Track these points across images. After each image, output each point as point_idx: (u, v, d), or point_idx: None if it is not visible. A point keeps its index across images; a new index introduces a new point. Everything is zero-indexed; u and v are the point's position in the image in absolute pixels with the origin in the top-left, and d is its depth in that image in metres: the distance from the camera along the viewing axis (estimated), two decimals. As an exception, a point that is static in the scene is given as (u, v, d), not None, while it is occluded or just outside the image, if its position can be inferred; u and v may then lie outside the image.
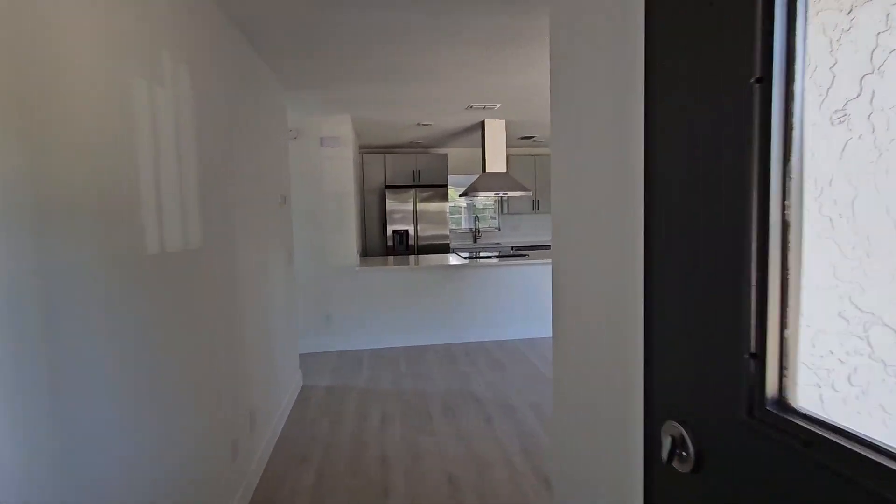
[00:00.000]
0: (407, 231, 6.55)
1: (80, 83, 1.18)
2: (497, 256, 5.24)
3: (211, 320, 1.96)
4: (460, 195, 5.36)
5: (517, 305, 4.94)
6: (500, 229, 7.53)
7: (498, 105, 4.25)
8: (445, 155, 6.65)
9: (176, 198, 1.68)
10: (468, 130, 5.61)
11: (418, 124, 5.12)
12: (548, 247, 6.87)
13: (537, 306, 4.97)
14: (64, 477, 1.06)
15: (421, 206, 6.55)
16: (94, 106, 1.23)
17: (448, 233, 6.65)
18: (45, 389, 1.02)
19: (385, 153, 6.63)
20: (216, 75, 2.12)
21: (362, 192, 6.57)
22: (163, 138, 1.59)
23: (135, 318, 1.38)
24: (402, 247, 6.55)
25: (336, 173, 4.66)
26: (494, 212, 7.69)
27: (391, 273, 4.70)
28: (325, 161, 4.62)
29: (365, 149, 7.03)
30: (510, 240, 7.52)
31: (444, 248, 6.66)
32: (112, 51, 1.32)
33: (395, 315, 4.76)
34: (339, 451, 2.73)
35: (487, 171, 5.01)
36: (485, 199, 7.77)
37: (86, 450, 1.14)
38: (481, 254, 5.75)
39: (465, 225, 7.80)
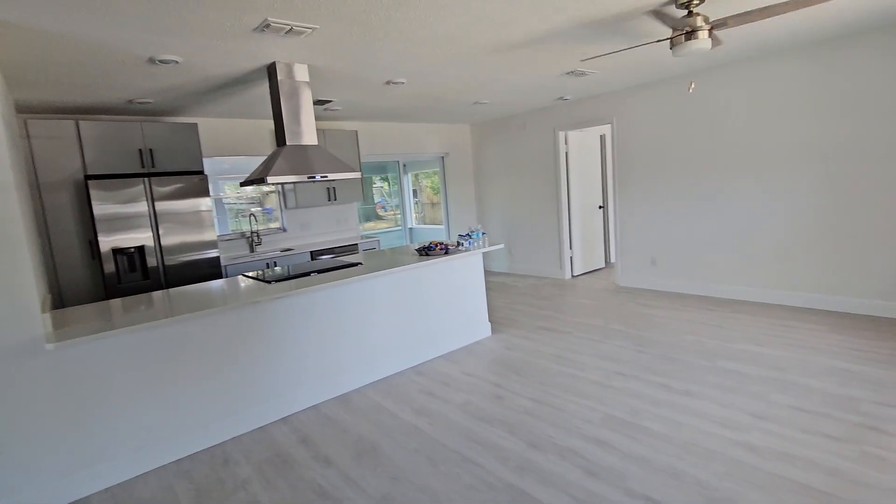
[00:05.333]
0: (142, 248, 4.07)
1: None
2: (301, 274, 3.56)
3: None
4: (242, 184, 3.41)
5: (358, 339, 3.42)
6: (285, 230, 5.66)
7: (314, 28, 2.58)
8: (195, 125, 4.39)
9: None
10: (241, 83, 3.64)
11: (152, 60, 2.92)
12: (352, 247, 5.45)
13: (385, 332, 3.56)
14: None
15: (163, 205, 4.16)
16: None
17: (215, 239, 4.46)
18: None
19: (78, 119, 3.93)
20: None
21: (37, 188, 3.76)
22: None
23: None
24: (137, 275, 4.06)
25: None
26: (275, 205, 5.73)
27: (132, 339, 2.47)
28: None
29: (30, 110, 4.07)
30: (303, 242, 5.74)
31: (213, 266, 4.46)
32: None
33: (148, 413, 2.59)
34: None
35: (290, 143, 3.25)
36: (255, 190, 5.73)
37: None
38: (267, 270, 3.94)
39: (220, 230, 5.57)
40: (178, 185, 4.22)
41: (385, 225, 9.48)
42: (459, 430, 2.71)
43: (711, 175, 4.84)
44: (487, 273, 7.42)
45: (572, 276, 6.58)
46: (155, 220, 4.13)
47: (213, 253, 4.45)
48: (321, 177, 3.20)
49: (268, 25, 2.44)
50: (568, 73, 4.29)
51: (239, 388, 2.86)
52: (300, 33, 2.62)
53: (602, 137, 6.88)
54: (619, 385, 3.09)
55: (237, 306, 2.73)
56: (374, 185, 9.50)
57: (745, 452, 2.26)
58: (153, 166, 4.17)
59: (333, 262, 3.92)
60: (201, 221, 4.37)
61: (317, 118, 5.54)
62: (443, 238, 7.50)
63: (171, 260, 4.22)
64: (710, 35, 2.60)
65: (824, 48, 3.97)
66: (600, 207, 6.88)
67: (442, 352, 3.96)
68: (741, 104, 4.52)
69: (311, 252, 5.19)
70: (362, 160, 6.27)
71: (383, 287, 3.53)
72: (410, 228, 9.71)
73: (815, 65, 4.03)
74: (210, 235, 4.42)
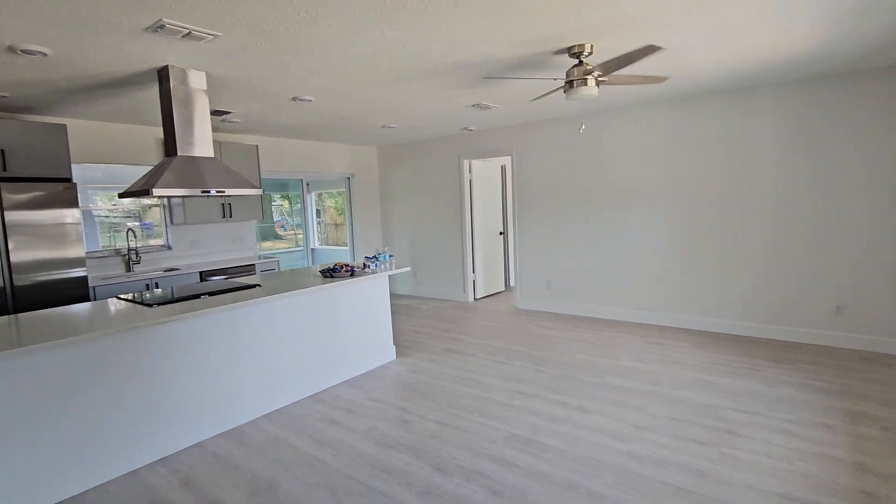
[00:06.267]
0: (-17, 264, 3.43)
1: None
2: (189, 297, 3.27)
3: None
4: (121, 195, 3.04)
5: (254, 368, 3.17)
6: (170, 247, 5.13)
7: (216, 35, 2.44)
8: (63, 127, 3.85)
9: None
10: (125, 85, 3.29)
11: (12, 49, 2.52)
12: (249, 267, 5.12)
13: (285, 359, 3.35)
14: None
15: (16, 215, 3.56)
16: None
17: (83, 256, 3.90)
18: None
19: None
20: None
21: None
22: None
23: None
24: (-25, 295, 3.40)
25: None
26: (158, 220, 5.17)
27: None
28: None
29: None
30: (191, 261, 5.25)
31: (79, 287, 3.88)
32: None
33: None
34: None
35: (182, 153, 2.98)
36: (134, 203, 5.17)
37: None
38: (148, 292, 3.56)
39: (90, 247, 4.91)
40: (38, 194, 3.65)
41: (284, 245, 9.05)
42: (364, 458, 2.61)
43: (598, 207, 5.36)
44: (392, 296, 7.37)
45: (475, 298, 6.78)
46: (3, 233, 3.51)
47: (79, 272, 3.88)
48: (216, 192, 2.98)
49: (162, 26, 2.25)
50: (473, 105, 4.52)
51: (105, 427, 2.49)
52: (200, 39, 2.45)
53: (503, 168, 7.30)
54: (521, 404, 3.22)
55: (108, 333, 2.40)
56: (273, 203, 9.07)
57: (631, 461, 2.46)
58: (5, 170, 3.56)
59: (228, 283, 3.62)
60: (65, 235, 3.80)
61: (213, 129, 5.17)
62: (347, 260, 7.33)
63: (22, 279, 3.60)
64: (598, 84, 2.92)
65: (684, 103, 4.65)
66: (501, 233, 7.23)
67: (346, 377, 3.82)
68: (622, 145, 5.10)
69: (201, 272, 4.76)
70: (263, 176, 5.96)
71: (283, 311, 3.34)
72: (313, 249, 9.37)
73: (677, 116, 4.71)
74: (77, 252, 3.86)
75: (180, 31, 2.34)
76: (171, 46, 2.57)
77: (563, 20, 2.43)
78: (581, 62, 2.93)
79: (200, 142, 3.07)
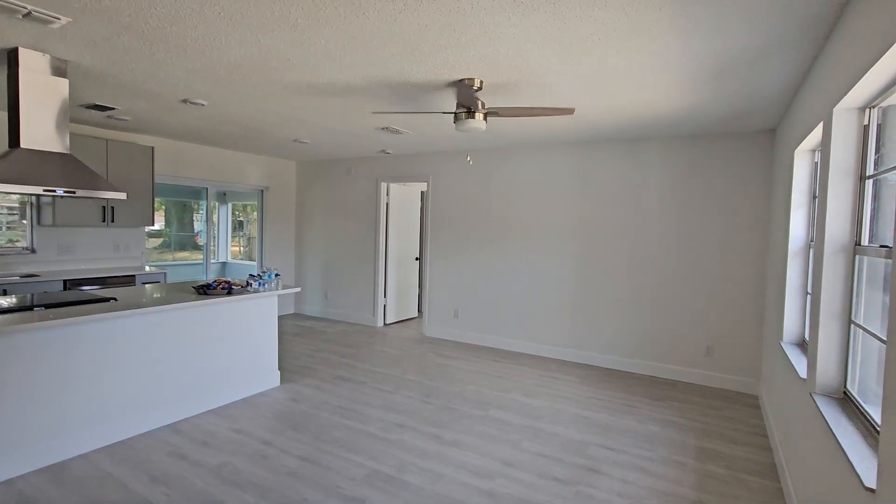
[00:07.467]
0: None
1: None
2: (18, 308, 2.89)
3: None
4: (-55, 186, 2.64)
5: (94, 393, 2.81)
6: (34, 251, 4.57)
7: (66, 19, 2.20)
8: None
9: None
10: (-32, 64, 2.91)
11: None
12: (129, 278, 4.67)
13: (136, 384, 3.00)
14: None
15: None
16: None
17: None
18: None
19: None
20: None
21: None
22: None
23: None
24: None
25: None
26: (24, 220, 4.59)
27: None
28: None
29: None
30: (58, 268, 4.69)
31: None
32: None
33: None
34: None
35: (25, 146, 2.65)
36: (20, 200, 4.59)
37: None
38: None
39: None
40: None
41: (203, 256, 8.46)
42: (202, 499, 2.35)
43: (505, 240, 5.45)
44: (300, 317, 7.03)
45: (384, 324, 6.62)
46: None
47: None
48: (65, 192, 2.66)
49: (-9, 0, 2.00)
50: (382, 129, 4.48)
51: None
52: (47, 22, 2.21)
53: (423, 193, 7.31)
54: (395, 437, 3.08)
55: None
56: (197, 213, 8.50)
57: (487, 500, 2.39)
58: None
59: (78, 295, 3.23)
60: None
61: (100, 126, 4.74)
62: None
63: None
64: (486, 118, 2.97)
65: (585, 148, 4.90)
66: (417, 259, 7.17)
67: (214, 405, 3.50)
68: (530, 182, 5.26)
69: (66, 281, 4.25)
70: (164, 182, 5.53)
71: (139, 329, 3.01)
72: (224, 263, 8.82)
73: (579, 159, 4.94)
74: None
75: (19, 10, 2.09)
76: (16, 27, 2.30)
77: (445, 50, 2.45)
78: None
79: (52, 135, 2.75)
